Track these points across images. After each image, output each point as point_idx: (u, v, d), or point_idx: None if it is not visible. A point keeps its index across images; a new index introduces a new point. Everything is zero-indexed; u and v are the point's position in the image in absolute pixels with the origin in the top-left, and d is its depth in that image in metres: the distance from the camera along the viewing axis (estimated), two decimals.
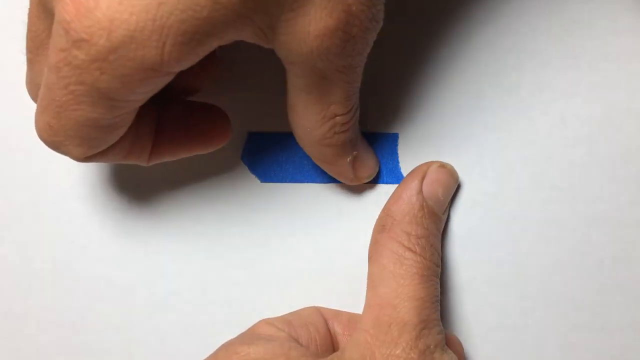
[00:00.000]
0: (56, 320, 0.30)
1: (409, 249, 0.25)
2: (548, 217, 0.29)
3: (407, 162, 0.30)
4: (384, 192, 0.29)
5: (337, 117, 0.25)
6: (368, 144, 0.29)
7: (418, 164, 0.29)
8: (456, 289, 0.29)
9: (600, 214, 0.29)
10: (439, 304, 0.26)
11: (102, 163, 0.30)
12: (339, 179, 0.29)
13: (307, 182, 0.30)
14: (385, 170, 0.30)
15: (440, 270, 0.27)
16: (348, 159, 0.27)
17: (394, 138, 0.30)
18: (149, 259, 0.30)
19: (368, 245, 0.29)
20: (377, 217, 0.29)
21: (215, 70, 0.27)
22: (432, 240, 0.26)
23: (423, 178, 0.27)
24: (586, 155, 0.29)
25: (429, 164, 0.28)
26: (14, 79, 0.29)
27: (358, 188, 0.30)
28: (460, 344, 0.28)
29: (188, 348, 0.29)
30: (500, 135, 0.29)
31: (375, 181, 0.29)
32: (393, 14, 0.30)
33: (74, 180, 0.30)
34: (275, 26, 0.22)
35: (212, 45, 0.22)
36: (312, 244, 0.30)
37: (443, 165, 0.28)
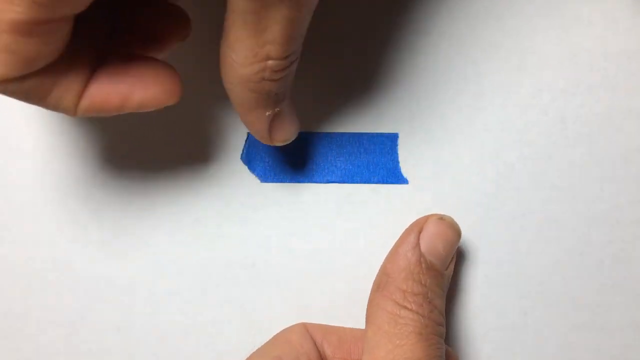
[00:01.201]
0: (56, 320, 0.30)
1: (404, 307, 0.24)
2: (548, 217, 0.29)
3: (407, 162, 0.30)
4: (383, 192, 0.29)
5: (270, 61, 0.23)
6: (294, 108, 0.26)
7: (418, 164, 0.29)
8: (456, 289, 0.29)
9: (600, 214, 0.29)
10: None
11: (100, 163, 0.30)
12: (250, 132, 0.26)
13: (307, 182, 0.30)
14: (385, 170, 0.30)
15: (444, 330, 0.25)
16: (267, 113, 0.25)
17: (394, 138, 0.30)
18: (149, 259, 0.30)
19: (368, 245, 0.29)
20: (376, 216, 0.29)
21: (184, 31, 0.25)
22: (431, 297, 0.25)
23: (420, 232, 0.26)
24: (586, 155, 0.29)
25: (426, 217, 0.27)
26: None
27: (358, 188, 0.30)
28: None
29: (188, 348, 0.29)
30: (500, 135, 0.29)
31: (375, 181, 0.29)
32: (393, 13, 0.30)
33: (74, 180, 0.30)
34: None
35: None
36: (312, 244, 0.30)
37: (441, 218, 0.27)
